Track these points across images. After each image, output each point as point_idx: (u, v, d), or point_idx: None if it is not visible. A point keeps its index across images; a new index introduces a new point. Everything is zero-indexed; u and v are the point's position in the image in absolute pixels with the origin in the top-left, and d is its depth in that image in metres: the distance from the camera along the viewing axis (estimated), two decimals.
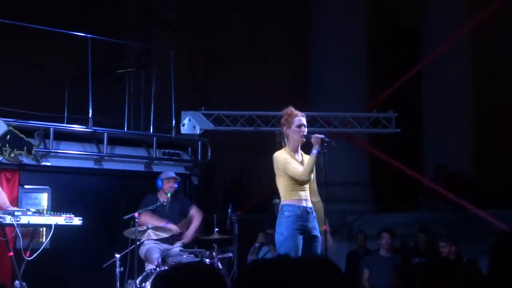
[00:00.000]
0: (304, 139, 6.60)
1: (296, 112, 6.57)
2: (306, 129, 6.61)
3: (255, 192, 13.43)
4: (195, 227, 8.85)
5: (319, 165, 6.65)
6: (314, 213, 6.56)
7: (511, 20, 15.24)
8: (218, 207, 11.89)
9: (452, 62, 14.44)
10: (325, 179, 6.62)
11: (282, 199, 6.56)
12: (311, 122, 9.93)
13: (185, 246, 8.64)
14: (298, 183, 6.49)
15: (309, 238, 6.52)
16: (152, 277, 7.47)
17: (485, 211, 11.56)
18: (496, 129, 15.45)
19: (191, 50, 15.61)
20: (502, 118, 15.56)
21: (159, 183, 8.79)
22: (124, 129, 10.78)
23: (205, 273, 2.69)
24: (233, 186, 14.65)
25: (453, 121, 14.55)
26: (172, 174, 8.92)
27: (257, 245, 10.38)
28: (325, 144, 6.57)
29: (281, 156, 6.52)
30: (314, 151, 6.51)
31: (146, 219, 8.20)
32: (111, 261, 7.88)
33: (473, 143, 14.78)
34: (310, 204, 6.55)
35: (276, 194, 6.84)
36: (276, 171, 6.57)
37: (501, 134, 15.47)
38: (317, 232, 6.56)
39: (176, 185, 8.83)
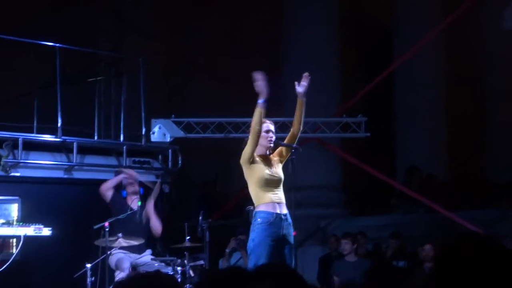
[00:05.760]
0: (272, 145, 6.64)
1: (264, 119, 6.60)
2: (274, 136, 6.66)
3: (228, 198, 13.40)
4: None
5: (288, 171, 6.66)
6: (289, 220, 6.56)
7: (483, 20, 15.30)
8: (190, 215, 11.84)
9: (425, 64, 14.45)
10: (293, 184, 6.65)
11: (255, 206, 6.57)
12: (281, 128, 9.93)
13: (156, 254, 8.62)
14: (267, 185, 6.48)
15: (283, 246, 6.52)
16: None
17: (458, 213, 11.62)
18: (470, 131, 15.50)
19: (164, 55, 15.54)
20: (475, 120, 15.62)
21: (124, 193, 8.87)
22: (94, 137, 10.72)
23: (161, 282, 2.70)
24: (206, 193, 14.58)
25: (426, 123, 14.55)
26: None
27: (227, 251, 10.37)
28: (293, 150, 6.61)
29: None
30: (260, 101, 6.44)
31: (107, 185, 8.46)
32: (82, 271, 7.86)
33: (446, 145, 14.82)
34: (284, 211, 6.54)
35: (249, 201, 6.82)
36: (245, 176, 6.57)
37: (474, 136, 15.53)
38: (291, 239, 6.57)
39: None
